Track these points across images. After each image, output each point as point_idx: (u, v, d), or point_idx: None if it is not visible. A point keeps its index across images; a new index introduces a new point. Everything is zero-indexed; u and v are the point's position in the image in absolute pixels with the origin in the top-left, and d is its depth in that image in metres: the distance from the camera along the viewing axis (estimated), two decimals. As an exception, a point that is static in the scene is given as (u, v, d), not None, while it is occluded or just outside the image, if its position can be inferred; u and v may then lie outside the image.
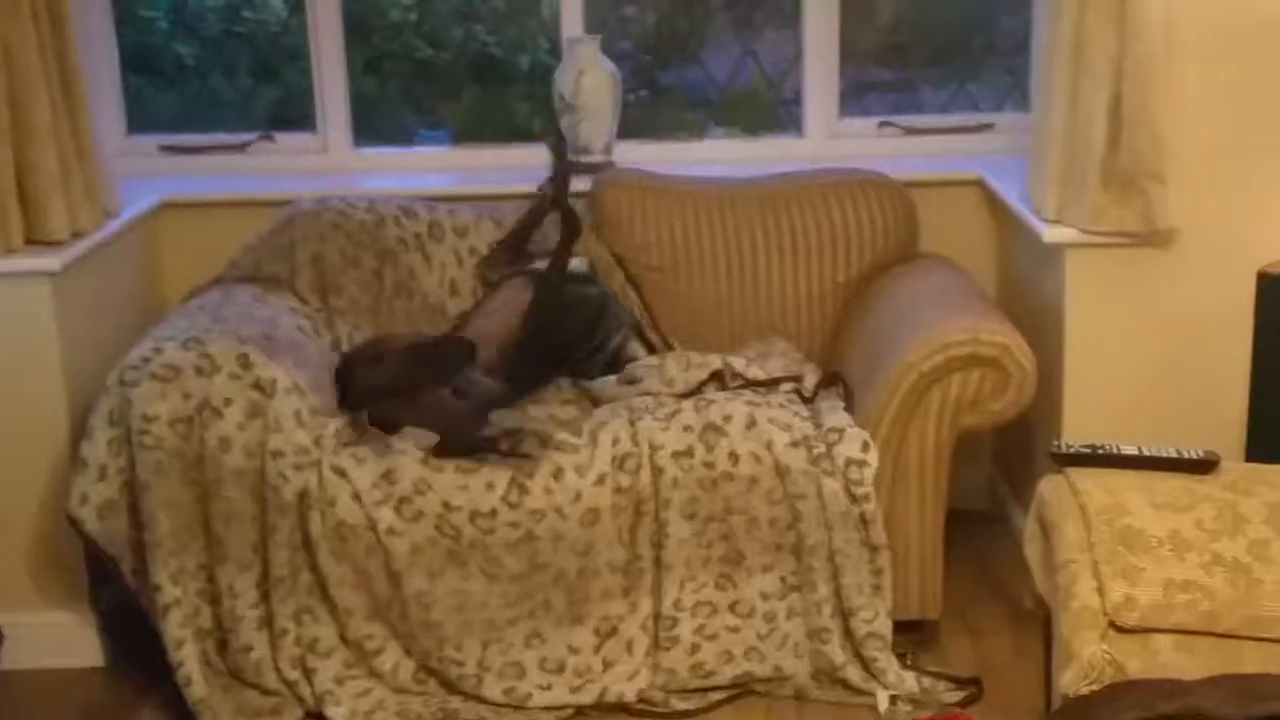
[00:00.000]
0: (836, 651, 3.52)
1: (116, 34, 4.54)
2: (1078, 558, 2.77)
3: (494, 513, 3.40)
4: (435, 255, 4.11)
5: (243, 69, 4.79)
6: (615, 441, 3.48)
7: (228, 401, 3.41)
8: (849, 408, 3.62)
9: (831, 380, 3.76)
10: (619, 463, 3.45)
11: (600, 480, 3.43)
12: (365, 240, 4.03)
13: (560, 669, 3.49)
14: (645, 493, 3.45)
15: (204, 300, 3.80)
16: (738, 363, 3.80)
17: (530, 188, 4.28)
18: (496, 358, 3.82)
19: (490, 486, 3.41)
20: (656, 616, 3.51)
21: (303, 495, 3.39)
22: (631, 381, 3.80)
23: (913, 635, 3.68)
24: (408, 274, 4.08)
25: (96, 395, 3.46)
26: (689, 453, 3.46)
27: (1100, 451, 3.00)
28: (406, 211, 4.12)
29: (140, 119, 4.64)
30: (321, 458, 3.42)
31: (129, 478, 3.43)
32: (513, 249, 4.14)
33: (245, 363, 3.44)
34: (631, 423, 3.53)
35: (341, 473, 3.41)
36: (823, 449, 3.48)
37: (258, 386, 3.43)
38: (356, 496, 3.39)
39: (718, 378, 3.76)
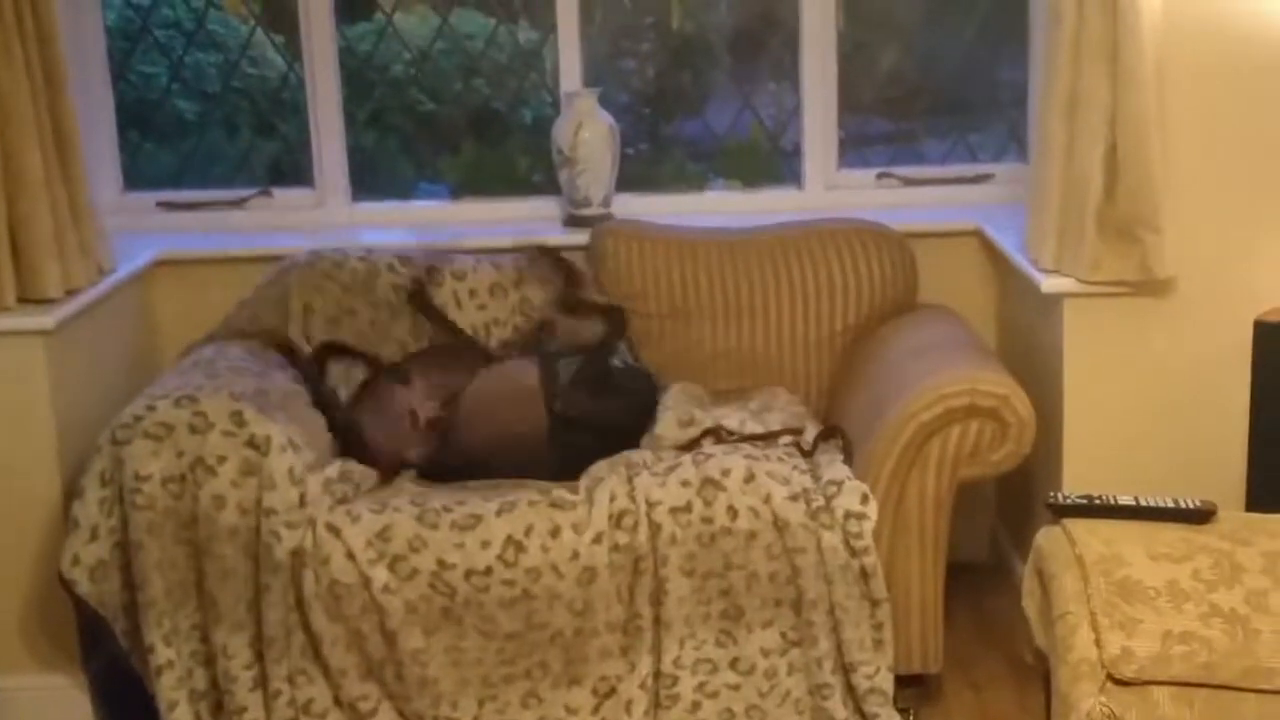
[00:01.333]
0: (838, 707, 3.50)
1: (116, 90, 4.58)
2: (1075, 609, 2.76)
3: (489, 571, 3.40)
4: (434, 299, 4.13)
5: (243, 124, 4.81)
6: (612, 498, 3.48)
7: (221, 459, 3.42)
8: (848, 460, 3.62)
9: (831, 433, 3.76)
10: (616, 520, 3.45)
11: (598, 538, 3.43)
12: (359, 289, 4.06)
13: (558, 730, 3.48)
14: (643, 550, 3.44)
15: (197, 357, 3.81)
16: (731, 422, 3.80)
17: (527, 239, 4.33)
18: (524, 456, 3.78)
19: (485, 544, 3.40)
20: (656, 675, 3.49)
21: (296, 554, 3.39)
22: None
23: (915, 690, 3.67)
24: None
25: (89, 454, 3.47)
26: (687, 508, 3.46)
27: (1097, 502, 2.99)
28: (402, 259, 4.14)
29: (139, 175, 4.67)
30: (316, 515, 3.42)
31: (121, 538, 3.43)
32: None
33: (239, 420, 3.45)
34: (629, 479, 3.52)
35: (335, 531, 3.41)
36: (821, 502, 3.48)
37: (252, 444, 3.44)
38: (350, 555, 3.39)
39: (713, 433, 3.76)
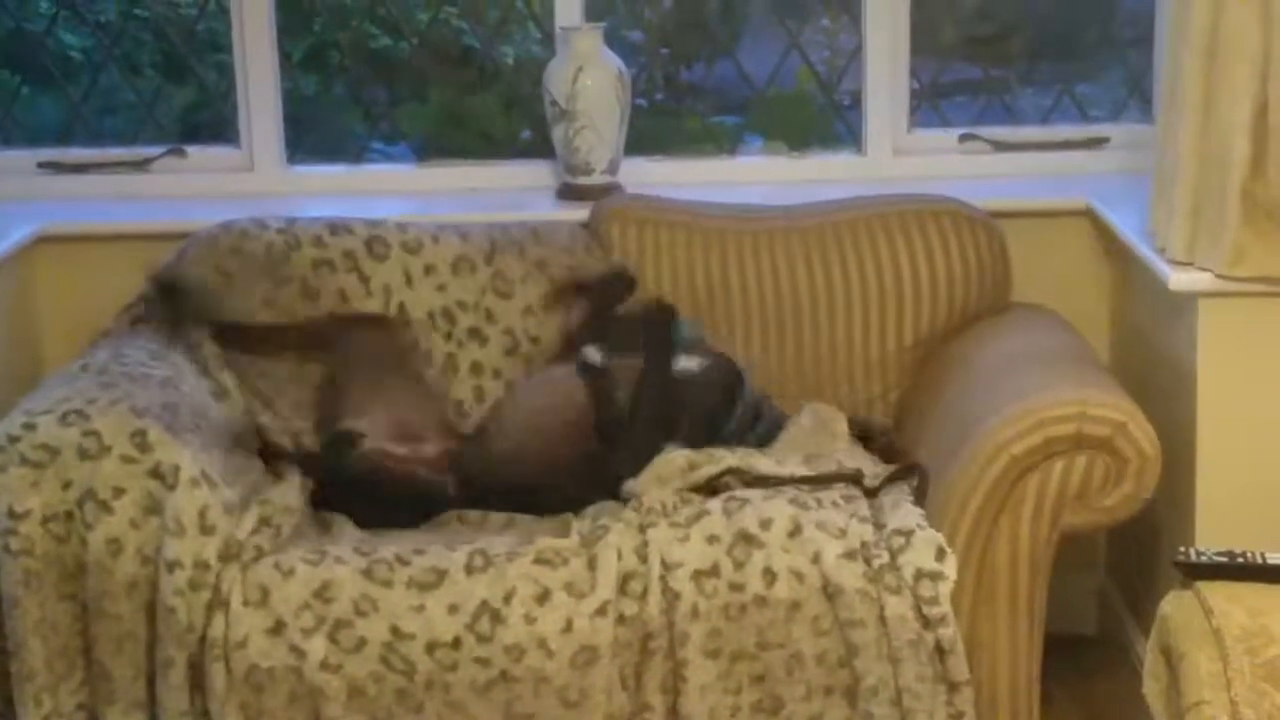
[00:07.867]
0: (905, 821, 3.51)
1: (-18, 21, 4.61)
2: (1211, 698, 2.77)
3: (458, 643, 3.39)
4: (376, 275, 4.14)
5: (148, 64, 4.82)
6: (619, 556, 3.47)
7: (118, 492, 3.43)
8: (919, 501, 3.62)
9: (906, 472, 3.74)
10: (622, 584, 3.45)
11: (601, 610, 3.42)
12: (269, 265, 4.06)
13: None
14: (655, 624, 3.43)
15: (89, 359, 3.82)
16: (763, 463, 3.77)
17: (511, 215, 4.35)
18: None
19: (454, 609, 3.40)
20: (670, 784, 3.50)
21: (202, 636, 3.39)
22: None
23: (1003, 799, 3.67)
24: (338, 298, 4.10)
25: (-51, 486, 3.47)
26: (714, 571, 3.44)
27: (1240, 561, 3.00)
28: (335, 229, 4.15)
29: (15, 128, 4.69)
30: (230, 583, 3.41)
31: (-10, 592, 3.45)
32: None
33: (142, 442, 3.46)
34: (641, 529, 3.51)
35: (260, 594, 3.40)
36: (885, 558, 3.47)
37: (156, 474, 3.44)
38: (278, 627, 3.38)
39: (735, 473, 3.74)
